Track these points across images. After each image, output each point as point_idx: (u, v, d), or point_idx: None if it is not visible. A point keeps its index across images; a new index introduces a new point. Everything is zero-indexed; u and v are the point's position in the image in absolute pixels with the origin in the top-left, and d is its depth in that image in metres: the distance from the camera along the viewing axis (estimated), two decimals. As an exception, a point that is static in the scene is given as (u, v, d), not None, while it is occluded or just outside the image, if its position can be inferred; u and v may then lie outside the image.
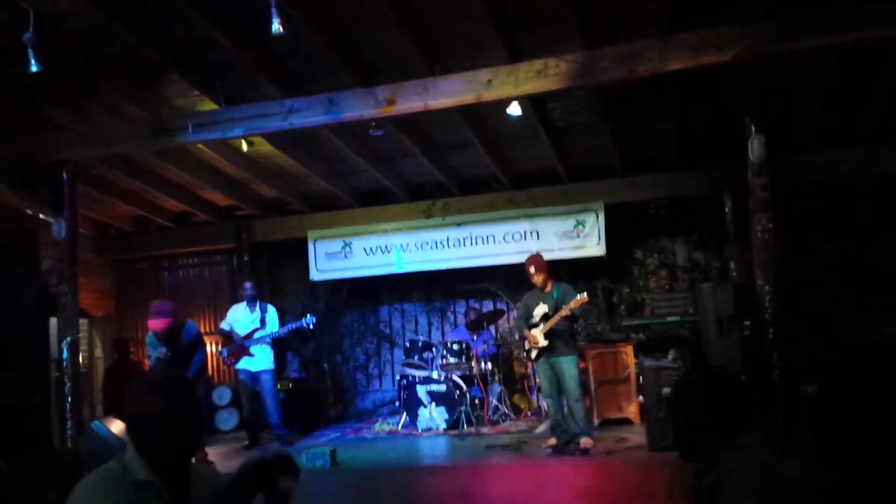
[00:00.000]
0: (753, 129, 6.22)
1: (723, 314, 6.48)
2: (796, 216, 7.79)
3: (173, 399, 2.11)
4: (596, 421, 7.79)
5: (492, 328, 9.52)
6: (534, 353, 6.75)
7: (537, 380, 9.63)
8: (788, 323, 6.18)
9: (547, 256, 8.07)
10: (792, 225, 7.27)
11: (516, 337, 10.00)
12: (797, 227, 7.82)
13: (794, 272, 7.04)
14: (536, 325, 6.70)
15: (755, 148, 6.22)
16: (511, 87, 5.59)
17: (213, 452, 7.30)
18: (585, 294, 6.58)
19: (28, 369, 7.34)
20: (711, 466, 2.25)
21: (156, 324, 6.88)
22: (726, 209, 8.58)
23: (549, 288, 6.81)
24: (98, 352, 10.50)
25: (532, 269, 6.82)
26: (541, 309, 6.72)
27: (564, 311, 6.51)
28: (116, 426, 6.71)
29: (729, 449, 2.24)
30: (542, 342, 6.62)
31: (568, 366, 6.61)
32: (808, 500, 2.21)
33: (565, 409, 6.80)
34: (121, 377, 9.52)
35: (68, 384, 6.74)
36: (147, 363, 10.05)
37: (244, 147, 7.19)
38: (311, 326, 8.04)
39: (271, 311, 8.17)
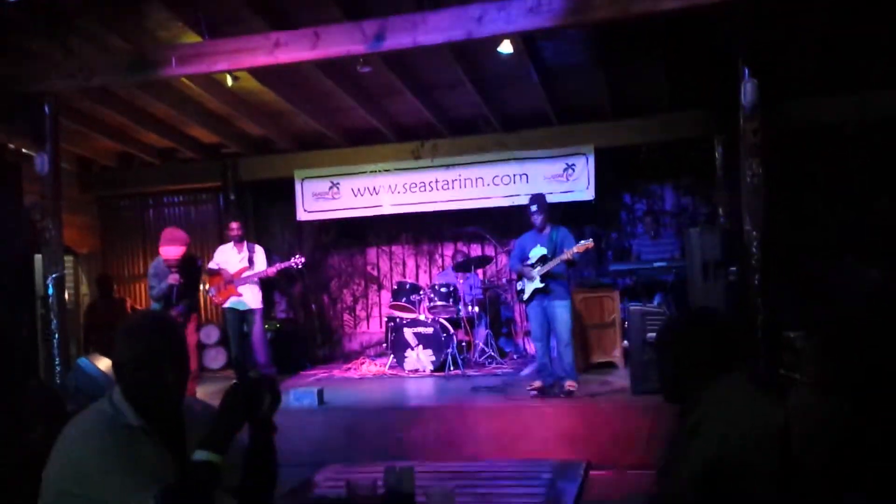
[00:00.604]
0: (747, 72, 6.14)
1: (709, 259, 6.49)
2: (786, 161, 7.76)
3: (159, 344, 2.08)
4: (581, 365, 7.86)
5: (479, 271, 9.53)
6: (526, 295, 6.71)
7: (524, 323, 9.74)
8: (775, 269, 6.21)
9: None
10: (781, 170, 7.24)
11: (503, 281, 10.04)
12: (786, 172, 7.79)
13: (781, 218, 7.04)
14: (533, 267, 6.64)
15: (748, 92, 6.14)
16: (502, 24, 5.45)
17: (201, 391, 7.34)
18: (591, 240, 6.52)
19: (14, 305, 7.31)
20: (694, 407, 2.27)
21: (172, 251, 6.87)
22: (716, 154, 8.54)
23: (547, 230, 6.74)
24: (84, 289, 10.48)
25: (534, 208, 6.70)
26: (538, 251, 6.64)
27: (567, 255, 6.42)
28: (104, 363, 6.70)
29: (711, 390, 2.25)
30: (539, 284, 6.58)
31: (561, 310, 6.59)
32: (789, 441, 2.24)
33: (553, 353, 6.83)
34: (102, 315, 9.50)
35: (55, 321, 6.71)
36: (128, 303, 10.03)
37: (229, 81, 7.03)
38: (300, 266, 8.02)
39: (259, 252, 8.13)
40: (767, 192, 6.19)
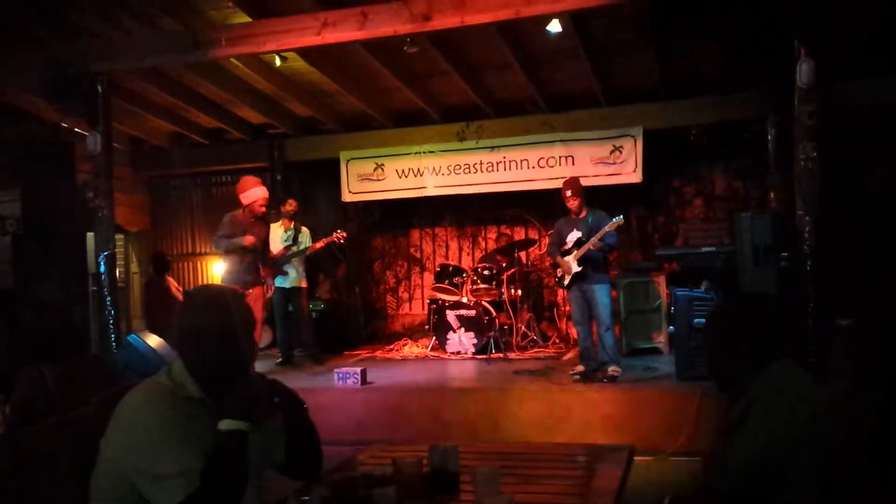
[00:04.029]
0: (803, 52, 5.96)
1: (760, 245, 6.35)
2: (842, 144, 7.52)
3: (236, 314, 2.11)
4: (624, 350, 7.79)
5: (522, 254, 9.48)
6: (566, 280, 6.68)
7: (567, 307, 9.67)
8: (828, 255, 6.06)
9: (582, 183, 7.86)
10: (836, 154, 7.02)
11: (547, 265, 9.97)
12: (842, 155, 7.55)
13: (835, 202, 6.84)
14: (569, 252, 6.61)
15: (803, 72, 5.97)
16: (552, 3, 5.39)
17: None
18: (622, 217, 6.46)
19: (67, 282, 7.51)
20: (743, 393, 2.24)
21: (260, 192, 6.89)
22: (769, 137, 8.32)
23: (583, 214, 6.69)
24: (134, 267, 10.70)
25: (569, 193, 6.67)
26: (574, 235, 6.61)
27: (599, 235, 6.38)
28: (153, 340, 6.86)
29: (762, 376, 2.22)
30: (576, 268, 6.55)
31: (600, 294, 6.54)
32: (838, 426, 2.19)
33: (595, 337, 6.78)
34: (147, 293, 9.71)
35: (108, 297, 6.86)
36: (171, 284, 10.11)
37: (277, 62, 7.09)
38: (342, 241, 8.05)
39: (304, 232, 8.19)
40: (822, 175, 6.02)
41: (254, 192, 6.92)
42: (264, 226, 7.12)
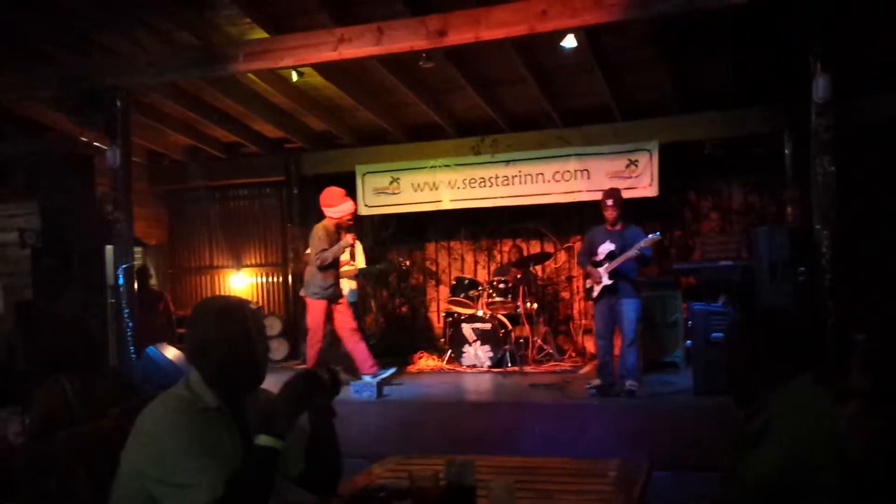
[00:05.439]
0: (819, 67, 5.95)
1: (778, 259, 6.31)
2: (858, 159, 7.47)
3: (253, 323, 2.13)
4: (642, 364, 7.74)
5: (537, 268, 9.46)
6: (595, 293, 6.58)
7: (583, 321, 9.63)
8: (846, 270, 6.01)
9: (597, 197, 7.88)
10: (853, 168, 6.98)
11: (562, 278, 9.95)
12: (859, 170, 7.50)
13: (852, 217, 6.80)
14: (601, 264, 6.51)
15: (820, 87, 5.95)
16: (566, 18, 5.40)
17: (265, 381, 7.45)
18: (658, 234, 6.40)
19: (85, 294, 7.58)
20: (761, 409, 2.21)
21: (348, 206, 6.88)
22: (786, 151, 8.28)
23: (619, 226, 6.58)
24: (153, 280, 10.75)
25: (609, 202, 6.51)
26: (607, 247, 6.51)
27: (635, 250, 6.32)
28: (171, 352, 6.88)
29: (781, 393, 2.19)
30: (607, 281, 6.47)
31: (628, 308, 6.46)
32: (858, 444, 2.16)
33: (616, 352, 6.71)
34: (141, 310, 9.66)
35: (126, 310, 6.90)
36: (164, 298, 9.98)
37: (294, 77, 7.14)
38: (405, 268, 8.00)
39: (359, 246, 8.05)
40: (839, 190, 5.99)
41: (343, 207, 6.91)
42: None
